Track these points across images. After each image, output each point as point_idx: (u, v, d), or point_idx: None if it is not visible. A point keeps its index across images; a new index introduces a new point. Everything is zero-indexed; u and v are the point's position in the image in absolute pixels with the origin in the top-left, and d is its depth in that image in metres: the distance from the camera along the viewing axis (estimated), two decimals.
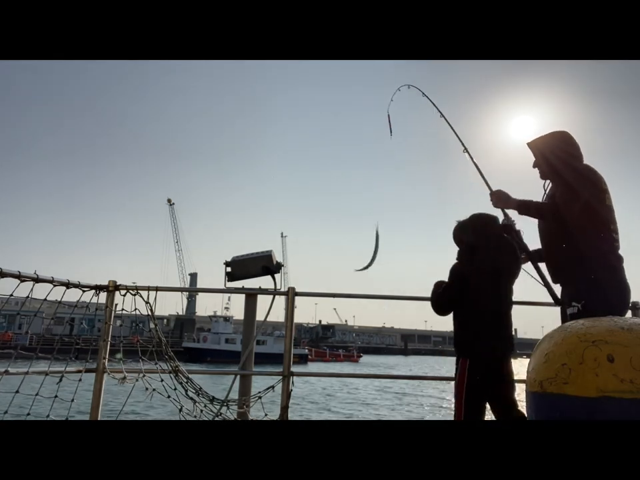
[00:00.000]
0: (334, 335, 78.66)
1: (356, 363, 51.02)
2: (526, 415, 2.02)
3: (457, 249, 2.75)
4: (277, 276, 3.15)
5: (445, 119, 3.16)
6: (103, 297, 2.74)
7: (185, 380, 2.71)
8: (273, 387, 2.77)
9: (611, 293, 2.33)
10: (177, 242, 73.24)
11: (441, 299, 2.65)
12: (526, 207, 2.58)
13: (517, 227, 2.76)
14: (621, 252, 2.43)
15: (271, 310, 3.18)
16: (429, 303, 2.70)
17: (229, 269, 3.15)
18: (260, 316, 3.19)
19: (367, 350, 72.37)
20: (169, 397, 2.60)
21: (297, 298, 3.01)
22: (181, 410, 2.60)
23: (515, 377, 2.62)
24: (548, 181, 2.66)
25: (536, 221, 2.69)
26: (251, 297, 3.09)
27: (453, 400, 2.41)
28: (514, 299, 3.32)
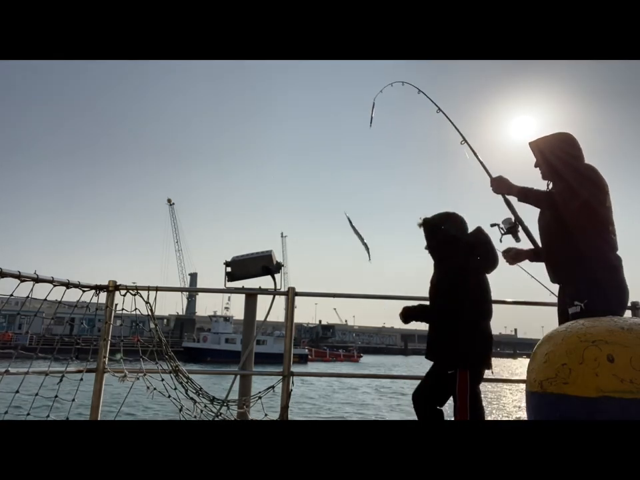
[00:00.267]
0: (334, 335, 78.65)
1: (356, 362, 51.01)
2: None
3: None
4: (277, 276, 3.15)
5: (443, 113, 3.11)
6: (103, 297, 2.74)
7: (185, 380, 2.71)
8: (273, 386, 2.77)
9: (611, 293, 2.33)
10: (177, 242, 73.24)
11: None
12: (525, 195, 2.56)
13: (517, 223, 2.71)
14: (618, 252, 2.43)
15: (270, 310, 3.18)
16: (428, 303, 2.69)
17: (228, 269, 3.15)
18: (260, 316, 3.19)
19: (367, 350, 72.37)
20: (169, 396, 2.61)
21: (297, 298, 3.01)
22: (181, 410, 2.61)
23: (515, 377, 2.63)
24: (550, 182, 2.65)
25: (536, 219, 2.69)
26: (251, 297, 3.09)
27: (453, 413, 2.36)
28: (518, 298, 3.35)
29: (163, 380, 2.64)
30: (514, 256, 2.76)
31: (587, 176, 2.40)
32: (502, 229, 2.71)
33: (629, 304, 3.04)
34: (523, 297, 3.28)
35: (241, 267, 3.14)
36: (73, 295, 2.56)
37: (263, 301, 3.14)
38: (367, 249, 3.50)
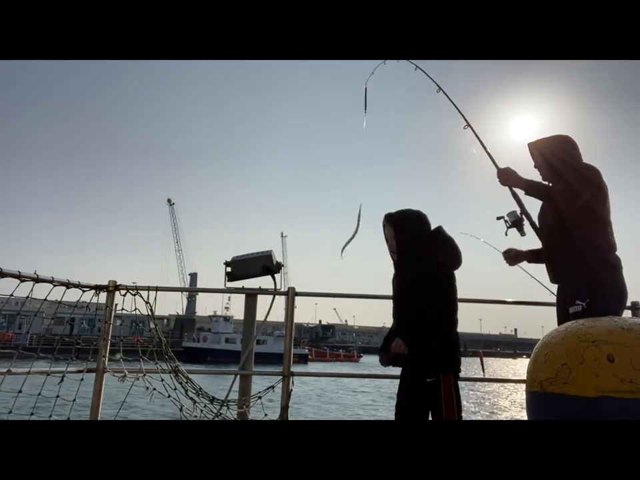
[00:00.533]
0: (334, 335, 78.63)
1: (356, 363, 51.00)
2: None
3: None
4: (277, 276, 3.15)
5: (443, 92, 2.95)
6: (103, 297, 2.74)
7: (185, 380, 2.71)
8: (273, 386, 2.77)
9: (611, 293, 2.33)
10: (177, 242, 73.26)
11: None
12: (535, 189, 2.50)
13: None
14: (617, 253, 2.44)
15: (270, 310, 3.18)
16: None
17: (229, 269, 3.15)
18: (260, 316, 3.19)
19: (367, 350, 72.34)
20: (169, 396, 2.61)
21: (297, 298, 3.01)
22: (181, 410, 2.61)
23: (515, 377, 2.61)
24: (550, 183, 2.65)
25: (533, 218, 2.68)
26: (251, 297, 3.09)
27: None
28: (518, 298, 3.29)
29: (162, 380, 2.64)
30: (514, 257, 2.76)
31: (587, 176, 2.40)
32: (507, 221, 2.66)
33: (629, 304, 3.04)
34: (522, 297, 3.29)
35: (241, 267, 3.14)
36: (72, 295, 2.56)
37: (263, 301, 3.14)
38: (347, 243, 3.36)
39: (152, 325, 2.77)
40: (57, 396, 2.40)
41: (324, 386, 19.90)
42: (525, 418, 1.85)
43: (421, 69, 2.93)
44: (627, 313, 2.99)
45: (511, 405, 17.74)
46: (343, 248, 3.31)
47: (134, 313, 2.73)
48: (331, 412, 14.27)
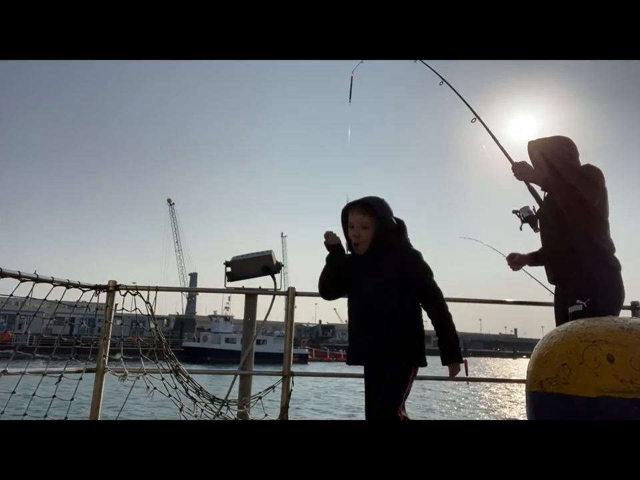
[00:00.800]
0: (334, 335, 78.61)
1: None
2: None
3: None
4: (277, 276, 3.15)
5: (448, 84, 2.83)
6: (103, 297, 2.75)
7: (186, 379, 2.72)
8: (273, 387, 2.77)
9: (612, 294, 2.34)
10: (177, 242, 73.30)
11: None
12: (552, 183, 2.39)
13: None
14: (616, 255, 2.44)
15: (270, 310, 3.18)
16: None
17: (229, 269, 3.15)
18: (260, 316, 3.19)
19: None
20: (169, 395, 2.61)
21: (296, 298, 3.01)
22: (181, 409, 2.61)
23: (515, 377, 2.60)
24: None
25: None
26: (251, 297, 3.09)
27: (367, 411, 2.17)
28: (518, 298, 3.22)
29: (163, 379, 2.64)
30: (518, 261, 2.75)
31: (589, 177, 2.39)
32: (521, 216, 2.60)
33: (629, 304, 3.05)
34: (522, 297, 3.29)
35: (240, 267, 3.14)
36: (72, 295, 2.56)
37: (263, 301, 3.14)
38: None
39: (152, 325, 2.78)
40: (54, 396, 2.40)
41: (323, 386, 19.89)
42: (525, 418, 1.85)
43: (422, 61, 2.81)
44: (626, 313, 2.99)
45: (511, 404, 17.74)
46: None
47: (134, 312, 2.73)
48: (332, 412, 14.27)
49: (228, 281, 3.15)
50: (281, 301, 3.39)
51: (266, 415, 2.68)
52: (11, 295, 2.13)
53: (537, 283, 2.90)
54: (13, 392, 2.21)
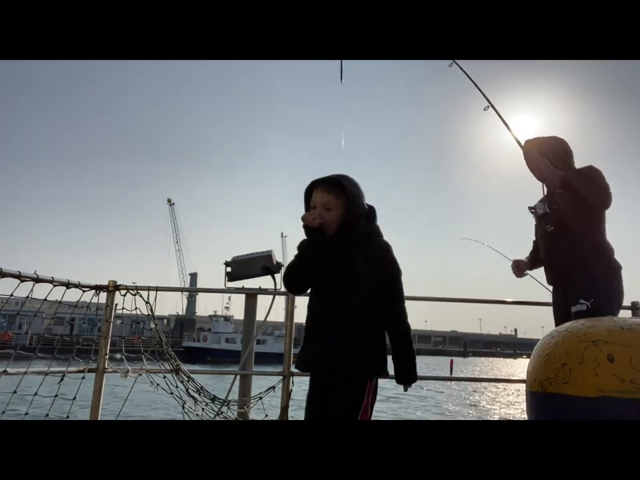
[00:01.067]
0: None
1: None
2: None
3: None
4: (277, 276, 3.15)
5: (460, 67, 2.67)
6: (103, 297, 2.75)
7: (186, 379, 2.72)
8: (273, 387, 2.77)
9: (614, 295, 2.36)
10: (177, 242, 73.33)
11: None
12: (571, 183, 2.32)
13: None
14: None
15: (271, 310, 3.18)
16: (428, 303, 2.67)
17: (229, 269, 3.15)
18: (260, 316, 3.19)
19: None
20: (171, 393, 2.62)
21: (297, 298, 3.01)
22: (183, 406, 2.62)
23: (515, 377, 2.59)
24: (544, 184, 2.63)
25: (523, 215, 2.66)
26: (251, 297, 3.09)
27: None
28: (518, 298, 3.17)
29: (165, 377, 2.65)
30: (523, 268, 2.74)
31: (591, 177, 2.39)
32: (536, 212, 2.53)
33: (629, 304, 3.06)
34: (522, 297, 3.28)
35: (240, 267, 3.14)
36: (73, 295, 2.56)
37: (263, 301, 3.14)
38: None
39: (152, 325, 2.78)
40: (56, 395, 2.41)
41: None
42: (525, 418, 1.85)
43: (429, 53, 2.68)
44: (626, 313, 2.99)
45: (511, 404, 17.73)
46: None
47: (134, 312, 2.74)
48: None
49: (228, 281, 3.15)
50: (281, 300, 3.39)
51: (266, 415, 2.68)
52: (11, 295, 2.13)
53: (536, 283, 2.90)
54: (14, 392, 2.22)
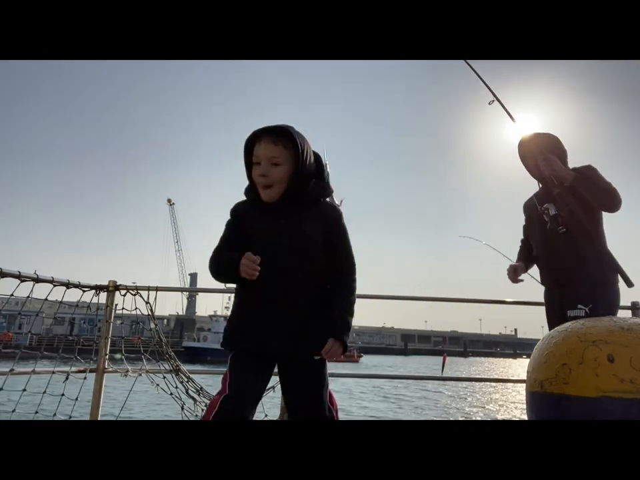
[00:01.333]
0: None
1: (356, 363, 50.93)
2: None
3: None
4: None
5: (467, 63, 2.60)
6: (103, 297, 2.75)
7: (186, 379, 2.72)
8: (273, 387, 2.77)
9: (613, 299, 2.35)
10: (177, 242, 73.36)
11: None
12: (584, 183, 2.28)
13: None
14: None
15: None
16: (428, 303, 2.67)
17: None
18: None
19: (367, 350, 72.39)
20: (171, 394, 2.62)
21: None
22: (182, 408, 2.62)
23: (515, 377, 2.58)
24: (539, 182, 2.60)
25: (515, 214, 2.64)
26: None
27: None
28: (518, 298, 3.12)
29: (164, 377, 2.65)
30: (520, 273, 2.67)
31: (593, 177, 2.38)
32: (547, 214, 2.45)
33: (629, 304, 3.06)
34: (522, 297, 3.28)
35: None
36: (73, 295, 2.57)
37: None
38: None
39: (152, 325, 2.78)
40: (62, 394, 2.42)
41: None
42: (525, 418, 1.85)
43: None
44: (626, 313, 2.99)
45: (511, 404, 17.73)
46: None
47: (134, 312, 2.74)
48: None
49: None
50: None
51: (266, 415, 2.68)
52: (12, 295, 2.14)
53: (536, 283, 2.89)
54: (24, 390, 2.23)
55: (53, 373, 2.43)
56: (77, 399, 2.49)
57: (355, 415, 13.66)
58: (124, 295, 2.75)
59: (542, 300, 2.74)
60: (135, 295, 2.76)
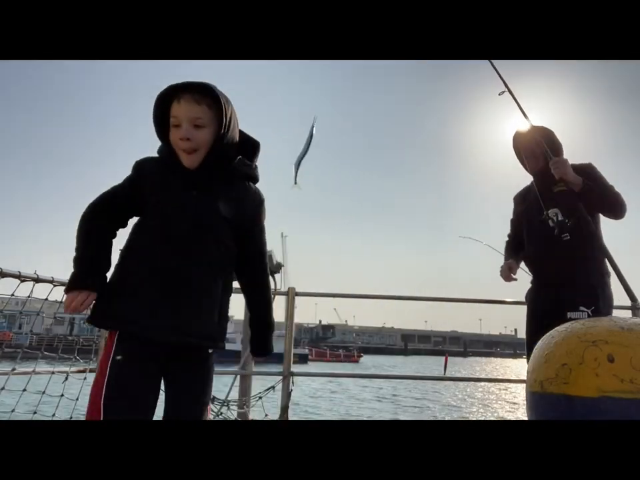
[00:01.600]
0: (334, 335, 78.61)
1: (356, 363, 50.94)
2: None
3: None
4: (277, 276, 3.15)
5: (492, 62, 2.52)
6: None
7: None
8: (273, 387, 2.77)
9: (609, 301, 2.35)
10: None
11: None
12: (591, 189, 2.26)
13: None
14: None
15: None
16: (428, 303, 2.66)
17: None
18: None
19: (367, 350, 72.49)
20: None
21: (297, 298, 3.02)
22: None
23: (516, 377, 2.57)
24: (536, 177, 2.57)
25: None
26: None
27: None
28: (518, 298, 3.13)
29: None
30: (515, 271, 2.62)
31: (601, 187, 2.37)
32: (552, 220, 2.37)
33: (629, 304, 3.05)
34: (523, 297, 3.27)
35: None
36: None
37: None
38: (298, 163, 2.64)
39: None
40: (62, 395, 2.42)
41: (321, 386, 19.87)
42: (525, 418, 1.85)
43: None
44: (626, 313, 2.99)
45: (511, 404, 17.73)
46: (296, 171, 2.68)
47: None
48: (331, 412, 14.27)
49: None
50: (281, 300, 3.39)
51: (266, 415, 2.68)
52: (12, 295, 2.14)
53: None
54: (24, 390, 2.24)
55: (53, 373, 2.44)
56: (77, 399, 2.49)
57: (355, 415, 13.66)
58: None
59: None
60: None
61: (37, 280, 2.22)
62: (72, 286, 1.40)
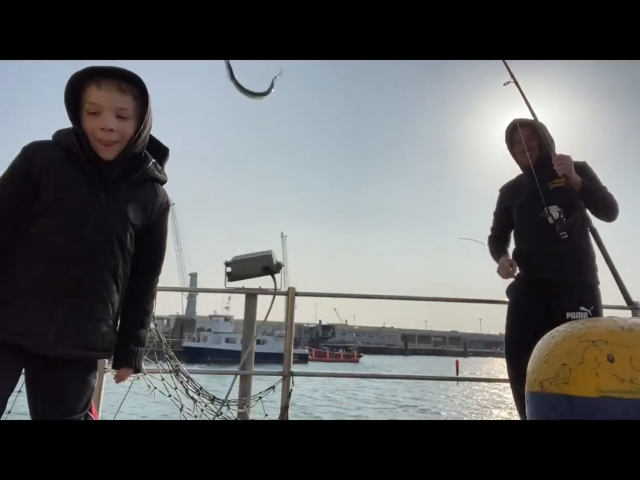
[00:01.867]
0: (334, 335, 78.64)
1: (356, 363, 50.95)
2: None
3: None
4: (277, 276, 3.15)
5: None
6: None
7: (186, 379, 2.72)
8: (273, 387, 2.77)
9: (600, 300, 2.34)
10: (177, 242, 73.31)
11: None
12: (590, 189, 2.25)
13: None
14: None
15: (271, 310, 3.19)
16: (428, 303, 2.64)
17: (228, 269, 3.15)
18: (260, 316, 3.20)
19: (367, 350, 72.54)
20: (169, 395, 2.61)
21: (297, 298, 3.02)
22: (181, 409, 2.61)
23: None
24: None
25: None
26: (251, 297, 3.09)
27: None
28: None
29: (163, 379, 2.64)
30: (515, 267, 2.52)
31: (598, 189, 2.37)
32: (551, 217, 2.31)
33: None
34: None
35: (241, 267, 3.15)
36: None
37: (263, 301, 3.15)
38: (247, 92, 2.42)
39: (152, 325, 2.77)
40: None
41: (320, 387, 19.87)
42: (525, 418, 1.85)
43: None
44: (626, 313, 2.99)
45: (510, 404, 17.71)
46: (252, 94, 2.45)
47: None
48: (331, 412, 14.27)
49: (228, 280, 3.15)
50: (281, 300, 3.40)
51: (266, 415, 2.68)
52: None
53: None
54: (19, 391, 2.23)
55: None
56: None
57: (355, 415, 13.67)
58: None
59: None
60: None
61: None
62: None
